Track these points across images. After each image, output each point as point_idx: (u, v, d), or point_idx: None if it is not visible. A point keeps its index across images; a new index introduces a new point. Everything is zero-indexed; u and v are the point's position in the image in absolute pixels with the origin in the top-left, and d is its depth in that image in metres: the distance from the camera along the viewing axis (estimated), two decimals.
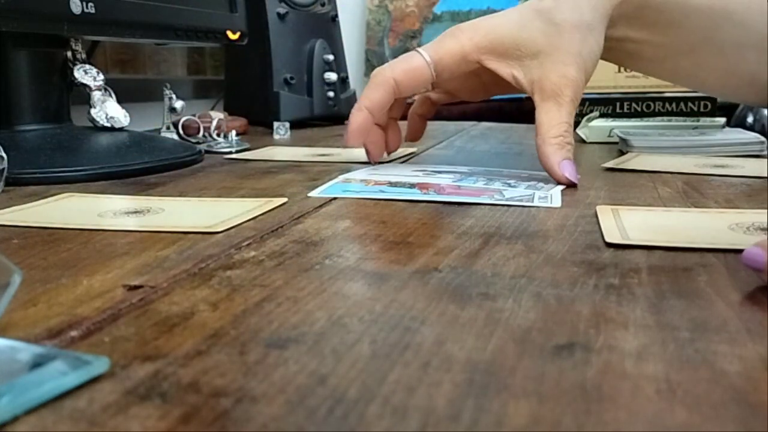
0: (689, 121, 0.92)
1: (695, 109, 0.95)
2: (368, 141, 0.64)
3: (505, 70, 0.58)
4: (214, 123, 0.85)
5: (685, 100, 0.96)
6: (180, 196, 0.52)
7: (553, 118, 0.56)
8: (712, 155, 0.72)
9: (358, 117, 0.61)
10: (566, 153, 0.55)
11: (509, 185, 0.54)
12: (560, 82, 0.56)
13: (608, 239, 0.37)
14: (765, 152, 0.75)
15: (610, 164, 0.65)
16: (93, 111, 0.70)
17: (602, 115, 0.96)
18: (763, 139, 0.77)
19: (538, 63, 0.57)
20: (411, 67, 0.59)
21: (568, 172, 0.54)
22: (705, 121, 0.92)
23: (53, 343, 0.24)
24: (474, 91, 0.66)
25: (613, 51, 0.62)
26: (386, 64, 0.61)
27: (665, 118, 0.96)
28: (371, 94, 0.60)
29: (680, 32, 0.63)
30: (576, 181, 0.54)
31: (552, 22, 0.56)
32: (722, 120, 0.92)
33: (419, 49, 0.59)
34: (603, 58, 0.60)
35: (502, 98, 1.55)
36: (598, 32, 0.58)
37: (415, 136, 0.71)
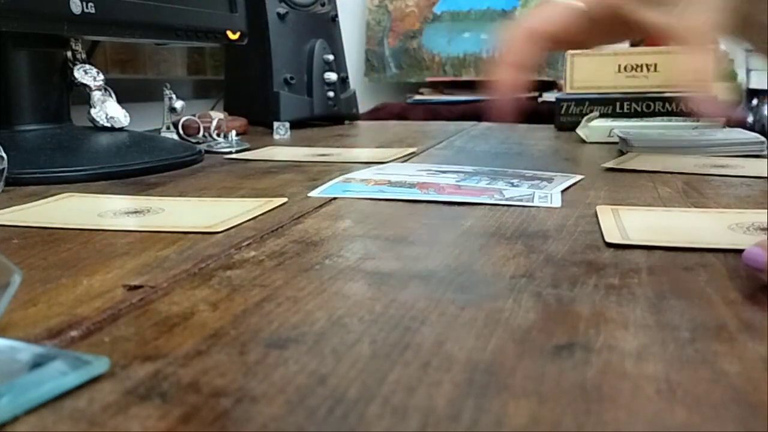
0: (689, 121, 0.92)
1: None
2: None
3: (648, 16, 0.56)
4: (214, 123, 0.85)
5: (686, 100, 0.96)
6: (180, 196, 0.52)
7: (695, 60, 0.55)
8: (712, 155, 0.72)
9: (504, 74, 0.59)
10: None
11: (512, 184, 0.54)
12: (703, 25, 0.55)
13: (608, 239, 0.37)
14: (765, 152, 0.75)
15: (610, 164, 0.65)
16: (93, 111, 0.70)
17: (602, 115, 0.96)
18: (763, 139, 0.77)
19: (681, 8, 0.56)
20: (561, 15, 0.58)
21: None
22: (705, 121, 0.92)
23: (53, 343, 0.24)
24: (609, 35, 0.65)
25: (757, 35, 0.62)
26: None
27: (665, 118, 0.96)
28: (519, 46, 0.59)
29: None
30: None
31: None
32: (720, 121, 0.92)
33: None
34: (747, 40, 0.61)
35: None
36: None
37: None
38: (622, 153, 0.78)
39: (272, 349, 0.23)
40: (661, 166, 0.63)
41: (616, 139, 0.83)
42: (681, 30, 0.56)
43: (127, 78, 1.13)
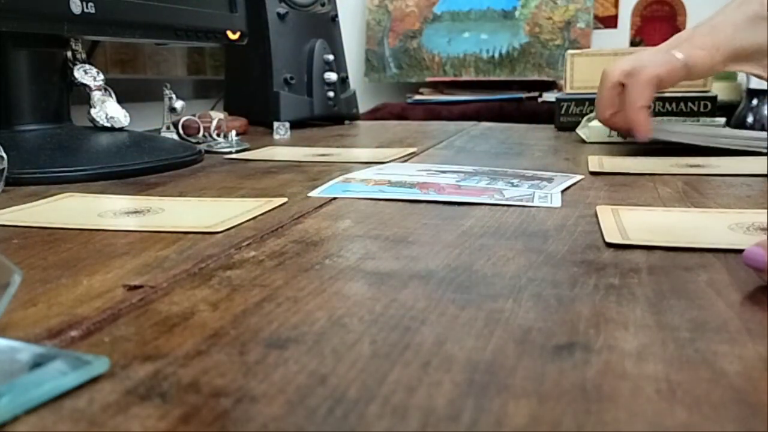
0: (689, 122, 0.92)
1: (695, 109, 0.96)
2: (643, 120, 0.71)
3: (751, 69, 0.70)
4: (214, 123, 0.85)
5: (686, 100, 0.96)
6: (180, 196, 0.52)
7: None
8: (690, 155, 0.72)
9: (642, 116, 0.71)
10: None
11: (512, 184, 0.54)
12: None
13: (608, 239, 0.37)
14: (765, 149, 0.76)
15: (595, 169, 0.65)
16: (93, 111, 0.70)
17: None
18: (764, 134, 0.78)
19: None
20: (671, 67, 0.69)
21: None
22: (705, 121, 0.92)
23: (53, 343, 0.24)
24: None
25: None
26: (642, 60, 0.71)
27: (665, 118, 0.96)
28: (644, 94, 0.70)
29: None
30: None
31: None
32: (722, 120, 0.92)
33: (676, 53, 0.70)
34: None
35: (502, 98, 1.56)
36: None
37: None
38: (621, 151, 0.78)
39: (272, 349, 0.23)
40: (641, 168, 0.63)
41: (616, 139, 0.84)
42: None
43: (127, 78, 1.13)
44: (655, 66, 0.69)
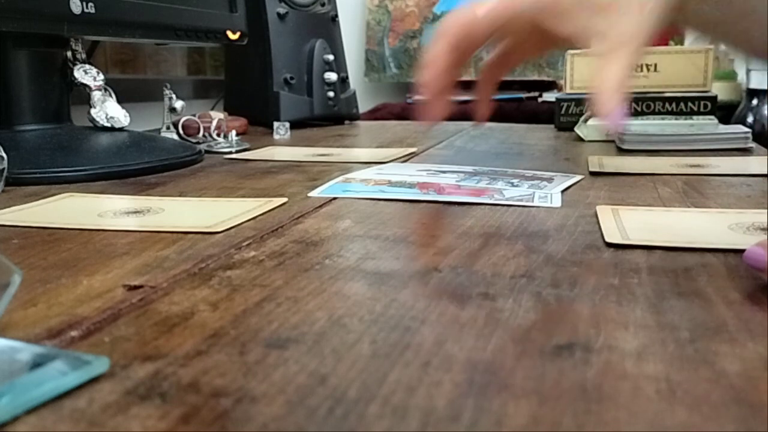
0: (681, 119, 0.93)
1: (695, 108, 0.96)
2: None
3: (565, 27, 0.56)
4: (214, 123, 0.85)
5: (686, 100, 0.96)
6: (180, 196, 0.52)
7: (613, 68, 0.55)
8: (690, 155, 0.73)
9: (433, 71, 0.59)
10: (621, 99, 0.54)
11: (512, 184, 0.54)
12: (626, 31, 0.54)
13: (608, 239, 0.37)
14: (750, 144, 0.77)
15: (594, 169, 0.65)
16: (93, 111, 0.70)
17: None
18: (747, 130, 0.79)
19: (603, 17, 0.55)
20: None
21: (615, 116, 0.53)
22: (699, 119, 0.93)
23: (53, 343, 0.24)
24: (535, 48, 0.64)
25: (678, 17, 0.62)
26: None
27: (660, 116, 0.96)
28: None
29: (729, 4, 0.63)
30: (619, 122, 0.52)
31: None
32: (715, 120, 0.93)
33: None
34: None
35: (502, 98, 1.56)
36: None
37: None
38: (620, 150, 0.78)
39: (272, 349, 0.23)
40: (641, 168, 0.63)
41: (614, 138, 0.84)
42: (611, 39, 0.55)
43: (127, 78, 1.13)
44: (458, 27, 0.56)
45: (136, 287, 0.30)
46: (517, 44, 0.61)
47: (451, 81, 0.60)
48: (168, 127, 0.86)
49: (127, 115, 0.72)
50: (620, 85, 0.53)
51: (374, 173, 0.60)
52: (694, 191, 0.53)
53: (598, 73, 0.52)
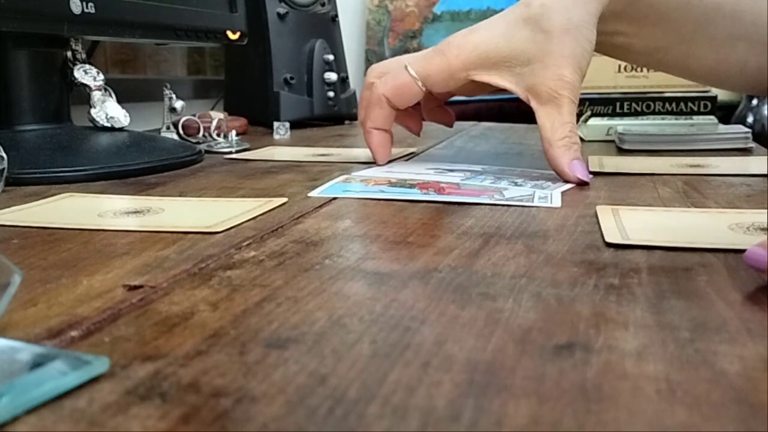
0: (682, 119, 0.93)
1: (695, 108, 0.96)
2: (374, 145, 0.65)
3: (497, 80, 0.59)
4: (214, 123, 0.85)
5: (685, 100, 0.96)
6: (180, 196, 0.52)
7: (556, 120, 0.56)
8: (690, 155, 0.73)
9: (374, 139, 0.64)
10: (574, 153, 0.56)
11: (515, 183, 0.54)
12: (556, 85, 0.56)
13: (608, 239, 0.37)
14: (750, 144, 0.77)
15: (594, 169, 0.65)
16: (93, 111, 0.70)
17: (595, 115, 0.97)
18: (747, 130, 0.79)
19: (530, 70, 0.57)
20: (399, 83, 0.61)
21: (579, 172, 0.55)
22: (699, 119, 0.93)
23: (53, 343, 0.24)
24: (472, 91, 0.67)
25: (603, 44, 0.62)
26: (377, 79, 0.63)
27: (660, 116, 0.96)
28: (372, 114, 0.63)
29: (671, 25, 0.63)
30: (588, 180, 0.55)
31: (540, 29, 0.56)
32: (715, 120, 0.93)
33: (408, 65, 0.60)
34: (596, 49, 0.61)
35: (502, 98, 1.56)
36: (589, 31, 0.58)
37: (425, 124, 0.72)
38: (620, 150, 0.78)
39: (272, 349, 0.23)
40: (641, 168, 0.63)
41: (614, 138, 0.84)
42: (533, 92, 0.57)
43: (127, 78, 1.13)
44: (385, 84, 0.61)
45: (136, 287, 0.30)
46: (458, 89, 0.62)
47: (388, 125, 0.64)
48: (168, 127, 0.85)
49: (127, 115, 0.72)
50: (569, 140, 0.55)
51: (382, 171, 0.60)
52: (694, 191, 0.53)
53: (546, 133, 0.54)
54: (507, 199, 0.48)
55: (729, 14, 0.63)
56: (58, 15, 0.63)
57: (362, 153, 0.67)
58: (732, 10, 0.63)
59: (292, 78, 1.13)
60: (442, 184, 0.53)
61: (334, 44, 1.21)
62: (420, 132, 0.70)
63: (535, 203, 0.47)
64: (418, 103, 0.66)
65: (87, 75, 0.71)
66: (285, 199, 0.49)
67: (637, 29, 0.63)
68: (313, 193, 0.52)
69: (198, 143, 0.81)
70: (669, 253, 0.35)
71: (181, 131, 0.85)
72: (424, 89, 0.60)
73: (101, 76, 0.72)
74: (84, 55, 0.72)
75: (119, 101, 0.72)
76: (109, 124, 0.70)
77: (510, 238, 0.38)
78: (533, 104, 0.57)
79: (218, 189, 0.55)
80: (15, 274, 0.22)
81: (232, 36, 0.89)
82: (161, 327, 0.25)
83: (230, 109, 1.14)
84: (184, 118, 0.85)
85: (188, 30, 0.80)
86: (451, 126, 0.72)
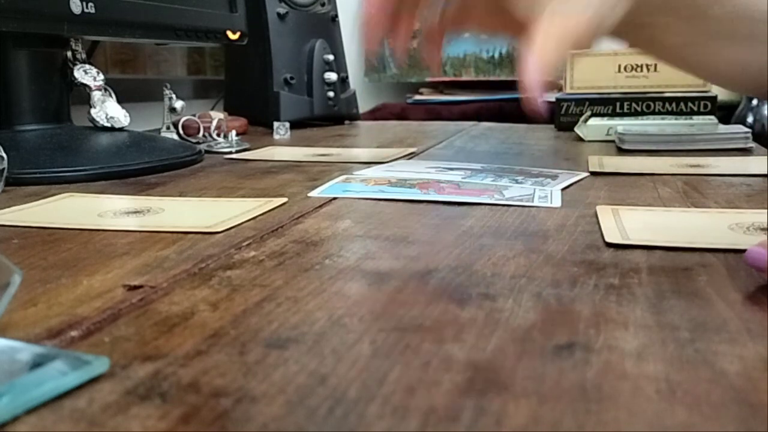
0: (681, 119, 0.93)
1: (695, 108, 0.96)
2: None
3: (519, 7, 0.53)
4: (214, 123, 0.85)
5: (685, 100, 0.96)
6: (180, 196, 0.52)
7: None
8: (690, 155, 0.73)
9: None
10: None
11: (516, 181, 0.54)
12: (575, 10, 0.51)
13: (608, 239, 0.37)
14: (750, 144, 0.77)
15: (594, 169, 0.65)
16: (93, 111, 0.70)
17: (595, 115, 0.97)
18: (747, 130, 0.79)
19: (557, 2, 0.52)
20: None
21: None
22: (699, 119, 0.93)
23: (53, 343, 0.24)
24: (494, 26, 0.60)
25: (634, 35, 0.60)
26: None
27: (660, 116, 0.96)
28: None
29: (703, 22, 0.62)
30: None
31: None
32: (715, 120, 0.93)
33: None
34: (623, 39, 0.57)
35: (502, 98, 1.56)
36: None
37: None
38: (620, 150, 0.78)
39: (272, 349, 0.23)
40: (638, 168, 0.63)
41: (614, 137, 0.84)
42: (552, 25, 0.51)
43: (127, 78, 1.13)
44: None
45: (136, 287, 0.30)
46: (473, 8, 0.58)
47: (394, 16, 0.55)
48: (168, 127, 0.85)
49: (127, 115, 0.72)
50: (549, 57, 0.49)
51: (382, 171, 0.60)
52: (694, 191, 0.53)
53: (533, 42, 0.48)
54: (507, 199, 0.48)
55: (759, 17, 0.62)
56: (58, 15, 0.63)
57: (362, 153, 0.67)
58: (761, 11, 0.62)
59: (292, 78, 1.13)
60: (442, 184, 0.53)
61: (334, 44, 1.21)
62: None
63: (535, 203, 0.47)
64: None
65: (87, 75, 0.71)
66: (285, 199, 0.49)
67: (672, 21, 0.61)
68: (313, 193, 0.52)
69: (198, 143, 0.81)
70: (669, 253, 0.35)
71: (181, 131, 0.85)
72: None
73: (101, 76, 0.72)
74: (84, 55, 0.72)
75: (119, 101, 0.72)
76: (109, 124, 0.70)
77: (510, 238, 0.38)
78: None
79: (218, 189, 0.55)
80: (15, 274, 0.22)
81: (232, 36, 0.89)
82: (161, 327, 0.25)
83: (230, 109, 1.14)
84: (184, 118, 0.85)
85: (188, 30, 0.80)
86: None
